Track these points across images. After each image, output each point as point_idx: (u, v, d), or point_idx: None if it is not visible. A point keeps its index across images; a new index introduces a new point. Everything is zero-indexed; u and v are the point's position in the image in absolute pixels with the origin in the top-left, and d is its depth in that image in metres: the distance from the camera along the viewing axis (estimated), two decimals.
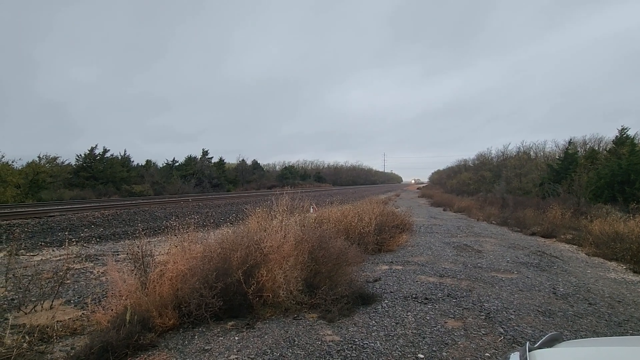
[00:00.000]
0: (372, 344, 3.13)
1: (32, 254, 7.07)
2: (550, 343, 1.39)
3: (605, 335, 3.40)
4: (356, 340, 3.21)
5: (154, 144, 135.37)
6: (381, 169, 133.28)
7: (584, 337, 3.27)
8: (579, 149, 24.86)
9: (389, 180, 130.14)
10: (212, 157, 44.03)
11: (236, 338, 3.25)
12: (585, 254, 7.63)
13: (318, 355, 2.93)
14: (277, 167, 64.77)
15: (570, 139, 25.38)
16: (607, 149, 21.37)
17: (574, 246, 8.50)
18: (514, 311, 3.99)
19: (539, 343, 1.37)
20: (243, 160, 52.30)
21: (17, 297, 4.18)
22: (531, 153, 30.60)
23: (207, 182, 37.88)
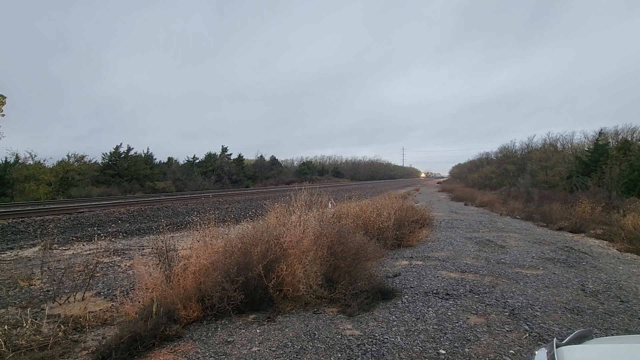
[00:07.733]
0: (393, 339, 3.12)
1: (64, 248, 7.43)
2: (578, 340, 1.35)
3: (639, 334, 3.25)
4: (376, 334, 3.20)
5: (188, 141, 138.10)
6: (400, 164, 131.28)
7: (615, 335, 3.13)
8: (610, 140, 23.64)
9: (408, 174, 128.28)
10: (231, 154, 44.81)
11: (258, 331, 3.31)
12: (617, 249, 7.28)
13: (338, 348, 2.95)
14: (295, 163, 65.12)
15: (601, 130, 24.15)
16: None
17: (605, 242, 8.12)
18: (540, 308, 3.87)
19: (566, 339, 1.33)
20: (261, 156, 52.90)
21: (51, 289, 4.42)
22: (558, 145, 29.37)
23: (227, 179, 38.59)
